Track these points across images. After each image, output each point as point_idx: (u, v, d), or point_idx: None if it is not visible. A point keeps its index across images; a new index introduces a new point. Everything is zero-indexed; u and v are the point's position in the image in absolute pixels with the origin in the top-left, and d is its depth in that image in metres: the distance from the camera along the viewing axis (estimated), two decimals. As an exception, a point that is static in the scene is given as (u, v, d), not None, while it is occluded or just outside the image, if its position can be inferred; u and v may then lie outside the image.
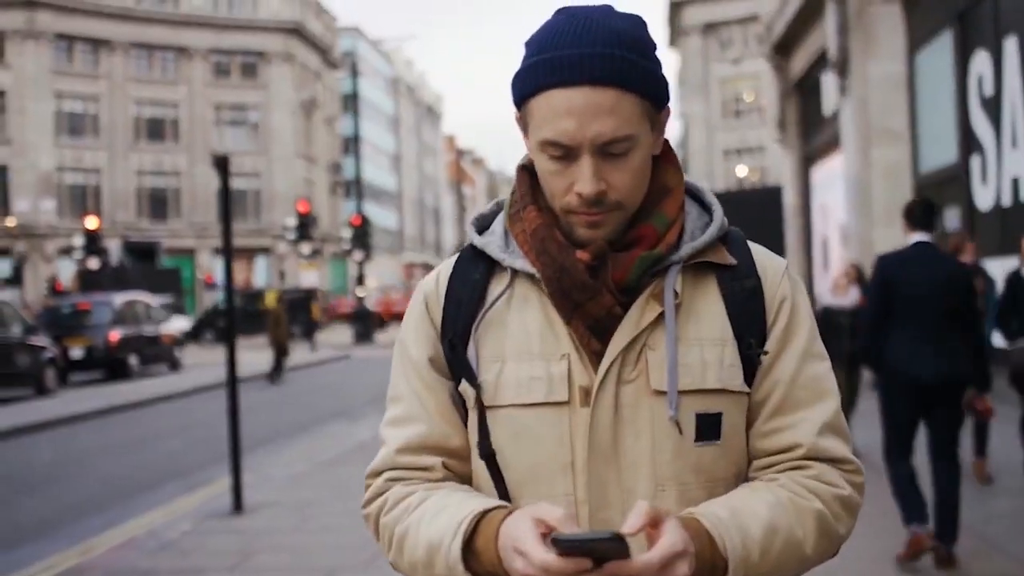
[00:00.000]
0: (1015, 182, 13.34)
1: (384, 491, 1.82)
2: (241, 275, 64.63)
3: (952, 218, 15.37)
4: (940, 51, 16.05)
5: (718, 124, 62.13)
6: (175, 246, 61.43)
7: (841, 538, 1.79)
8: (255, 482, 10.67)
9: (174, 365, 30.23)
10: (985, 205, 14.37)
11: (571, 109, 1.66)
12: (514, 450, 1.76)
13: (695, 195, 1.87)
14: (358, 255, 40.27)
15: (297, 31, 69.00)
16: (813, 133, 23.86)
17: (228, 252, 9.71)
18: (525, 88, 1.73)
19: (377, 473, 1.85)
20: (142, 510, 10.19)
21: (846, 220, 19.49)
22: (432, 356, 1.83)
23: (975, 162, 14.65)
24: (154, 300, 30.88)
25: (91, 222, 34.08)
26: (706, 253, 1.79)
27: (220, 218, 9.74)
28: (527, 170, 1.85)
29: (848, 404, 10.70)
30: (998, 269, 11.11)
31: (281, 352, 25.42)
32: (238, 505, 9.54)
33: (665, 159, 1.82)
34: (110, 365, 27.18)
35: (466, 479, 1.84)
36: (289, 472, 11.79)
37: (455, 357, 1.81)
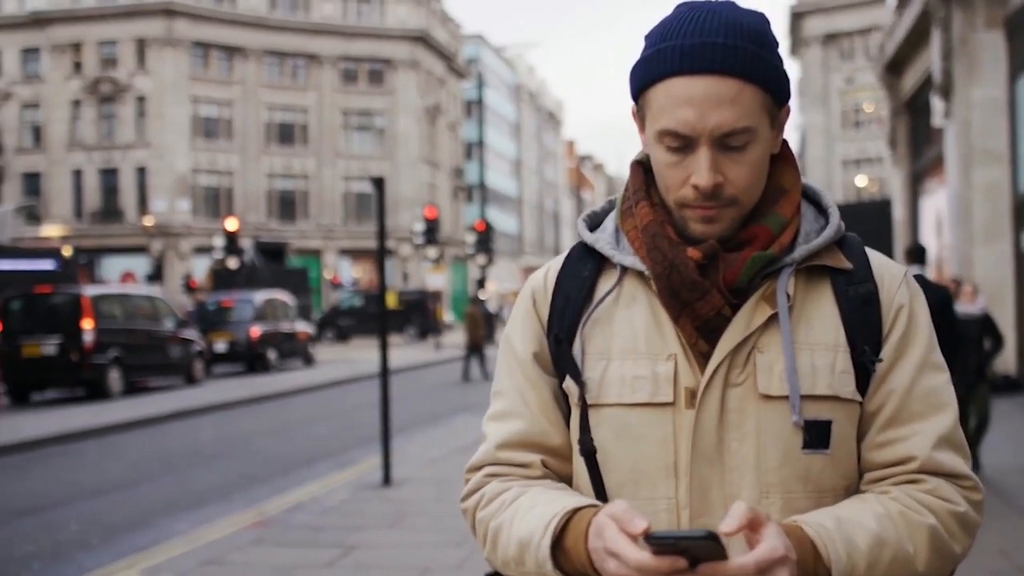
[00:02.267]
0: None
1: (482, 486, 1.82)
2: (367, 276, 66.76)
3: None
4: (1037, 79, 16.97)
5: (837, 134, 62.08)
6: (302, 247, 63.18)
7: (956, 557, 1.71)
8: (397, 462, 12.15)
9: (308, 360, 32.14)
10: (1075, 226, 15.30)
11: (692, 98, 1.65)
12: (616, 450, 1.74)
13: (812, 198, 1.85)
14: (481, 259, 41.82)
15: (423, 39, 70.51)
16: (922, 151, 24.70)
17: (381, 260, 11.22)
18: (645, 77, 1.71)
19: (477, 468, 1.86)
20: (302, 482, 11.77)
21: (949, 237, 20.41)
22: (537, 352, 1.83)
23: (1066, 185, 15.58)
24: (290, 299, 32.82)
25: (231, 224, 36.07)
26: (821, 256, 1.76)
27: (376, 231, 11.23)
28: (642, 165, 1.84)
29: (981, 424, 10.51)
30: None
31: (475, 351, 26.68)
32: (387, 479, 11.04)
33: (783, 159, 1.80)
34: (250, 359, 29.26)
35: (565, 478, 1.82)
36: (425, 455, 13.26)
37: (560, 353, 1.80)
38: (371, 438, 14.08)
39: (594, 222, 1.89)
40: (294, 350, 31.49)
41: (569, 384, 1.77)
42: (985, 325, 10.70)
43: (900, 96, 25.89)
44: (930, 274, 20.27)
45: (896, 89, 26.06)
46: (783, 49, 1.75)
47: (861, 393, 1.72)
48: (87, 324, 21.22)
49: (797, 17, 62.00)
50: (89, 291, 22.78)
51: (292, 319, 31.86)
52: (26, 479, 12.95)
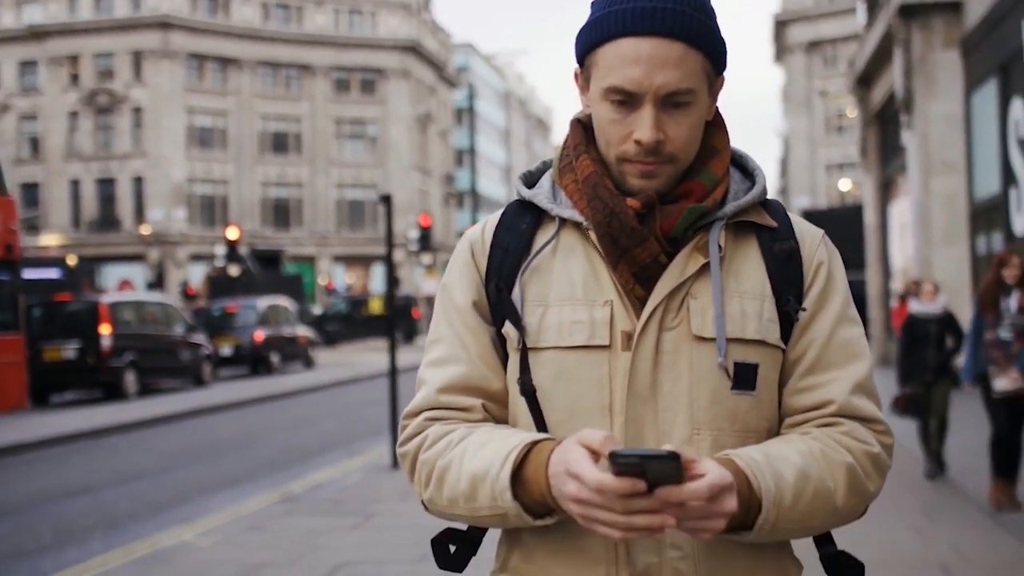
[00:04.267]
0: (1039, 213, 15.73)
1: (423, 429, 1.84)
2: (359, 282, 68.00)
3: (997, 241, 17.69)
4: (988, 95, 18.38)
5: (821, 139, 63.01)
6: (297, 253, 64.35)
7: (870, 495, 1.81)
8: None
9: (308, 363, 33.50)
10: (1020, 230, 16.70)
11: (639, 57, 1.72)
12: (554, 391, 1.80)
13: (738, 162, 1.94)
14: (472, 264, 43.12)
15: (414, 49, 71.49)
16: (890, 160, 26.11)
17: (390, 269, 12.57)
18: (594, 37, 1.78)
19: (416, 413, 1.87)
20: (318, 467, 13.12)
21: (911, 241, 21.83)
22: (476, 300, 1.88)
23: (1012, 193, 17.00)
24: (291, 305, 34.18)
25: (232, 232, 37.33)
26: (749, 213, 1.86)
27: (385, 241, 12.59)
28: (581, 123, 1.92)
29: (941, 425, 10.55)
30: None
31: None
32: (395, 463, 12.40)
33: (716, 124, 1.89)
34: (254, 362, 30.65)
35: (504, 423, 1.87)
36: (428, 444, 14.59)
37: (500, 300, 1.85)
38: (375, 431, 15.52)
39: (530, 180, 1.97)
40: (295, 353, 32.86)
41: (508, 329, 1.83)
42: (947, 323, 10.73)
43: (870, 108, 27.30)
44: (897, 278, 21.68)
45: (866, 101, 27.47)
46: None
47: (784, 341, 1.83)
48: (105, 330, 22.59)
49: (781, 25, 63.16)
50: (106, 299, 24.15)
51: (293, 324, 33.23)
52: (68, 468, 14.30)
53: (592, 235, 1.81)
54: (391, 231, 12.43)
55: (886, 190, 26.99)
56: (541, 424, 1.80)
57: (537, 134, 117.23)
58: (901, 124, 21.96)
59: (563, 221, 1.85)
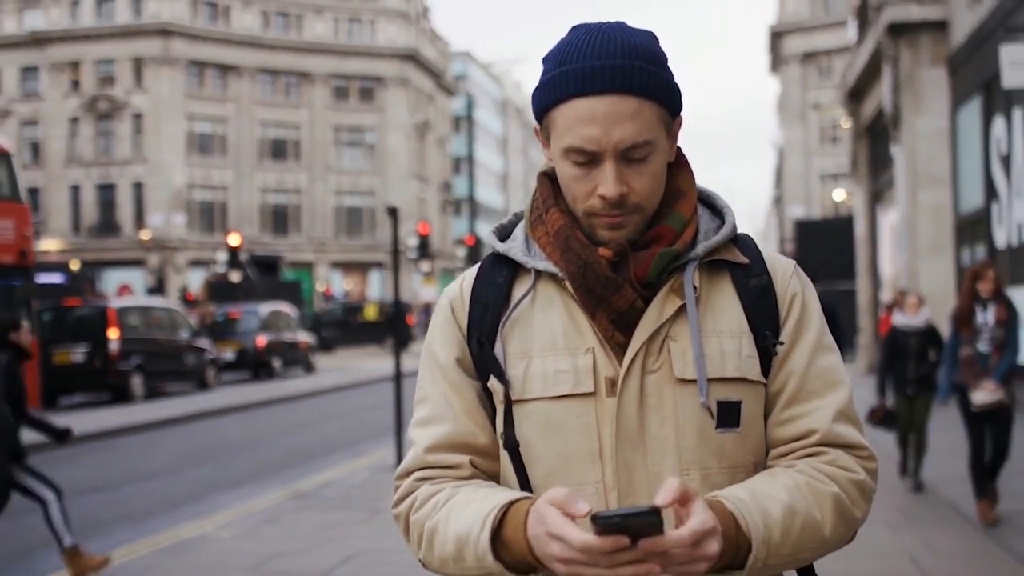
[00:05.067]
0: (1019, 227, 16.33)
1: (413, 491, 1.87)
2: (357, 288, 68.53)
3: (980, 253, 18.29)
4: (973, 112, 19.00)
5: (815, 149, 63.43)
6: (295, 260, 64.53)
7: (858, 522, 1.84)
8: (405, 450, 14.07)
9: (309, 368, 34.07)
10: (1001, 243, 17.31)
11: (595, 116, 1.75)
12: (543, 442, 1.82)
13: (705, 200, 1.96)
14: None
15: (412, 57, 71.90)
16: (880, 172, 26.71)
17: (396, 279, 13.14)
18: (549, 98, 1.81)
19: (407, 474, 1.90)
20: (325, 468, 13.69)
21: (899, 252, 22.44)
22: (459, 357, 1.90)
23: (994, 207, 17.61)
24: (293, 311, 34.77)
25: (234, 239, 37.89)
26: (720, 252, 1.88)
27: (390, 253, 13.16)
28: (548, 176, 1.94)
29: (919, 444, 10.64)
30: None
31: None
32: (400, 464, 12.95)
33: (679, 164, 1.91)
34: (256, 366, 31.22)
35: (494, 477, 1.89)
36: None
37: (483, 355, 1.87)
38: (377, 434, 16.11)
39: (504, 233, 1.99)
40: (296, 358, 33.42)
41: (493, 383, 1.85)
42: (929, 336, 10.75)
43: (861, 121, 27.89)
44: (887, 288, 22.22)
45: (857, 115, 28.07)
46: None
47: (764, 375, 1.85)
48: (113, 334, 23.20)
49: (777, 36, 63.62)
50: (115, 303, 24.76)
51: (294, 329, 33.81)
52: (84, 467, 14.84)
53: (568, 285, 1.84)
54: (396, 241, 13.01)
55: (876, 201, 27.59)
56: (524, 478, 1.84)
57: (533, 142, 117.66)
58: (890, 138, 22.57)
59: (539, 273, 1.88)
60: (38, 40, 63.33)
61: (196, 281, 55.98)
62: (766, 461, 1.88)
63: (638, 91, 1.75)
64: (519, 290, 1.89)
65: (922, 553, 7.99)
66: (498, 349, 1.85)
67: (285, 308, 34.18)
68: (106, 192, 63.43)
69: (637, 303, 1.80)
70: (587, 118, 1.74)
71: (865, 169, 28.32)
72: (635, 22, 1.89)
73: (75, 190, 63.49)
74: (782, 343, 1.86)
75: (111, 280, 57.64)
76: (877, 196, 27.47)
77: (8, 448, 7.82)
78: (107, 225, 63.09)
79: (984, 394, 8.85)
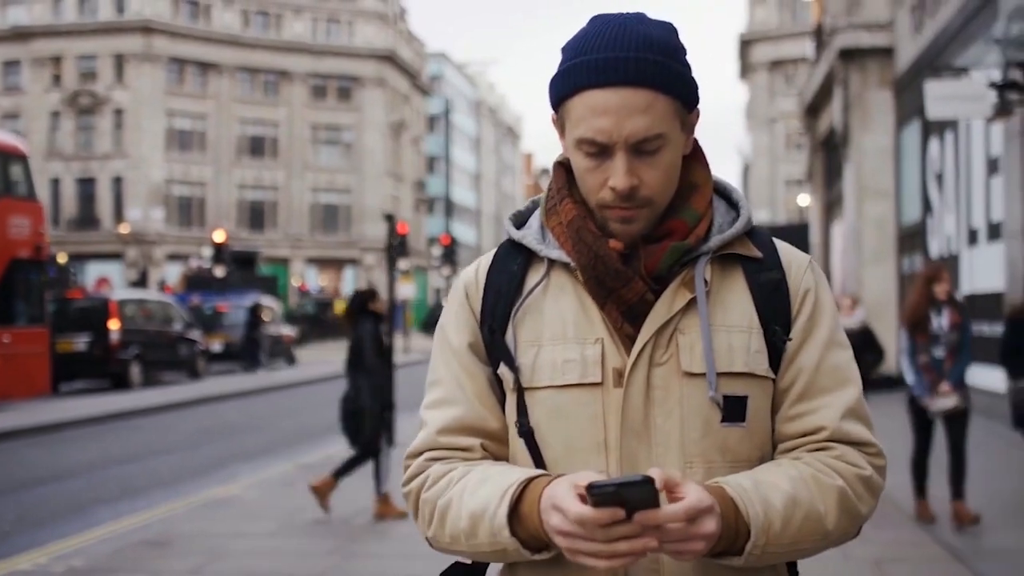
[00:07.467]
0: (948, 239, 18.16)
1: (424, 469, 1.88)
2: (332, 284, 69.77)
3: (918, 262, 20.10)
4: (913, 133, 20.86)
5: (781, 155, 64.73)
6: (272, 255, 65.26)
7: (862, 518, 1.83)
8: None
9: (291, 360, 35.68)
10: (935, 253, 19.15)
11: (607, 108, 1.74)
12: (550, 430, 1.83)
13: (722, 193, 1.96)
14: (446, 271, 45.58)
15: (389, 58, 72.81)
16: (833, 183, 28.53)
17: (392, 279, 14.77)
18: (563, 89, 1.81)
19: (417, 453, 1.92)
20: (325, 445, 15.29)
21: (845, 260, 24.30)
22: (471, 342, 1.91)
23: (929, 220, 19.46)
24: (276, 305, 36.36)
25: (218, 235, 39.28)
26: (733, 245, 1.87)
27: (387, 256, 14.79)
28: (563, 166, 1.93)
29: None
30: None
31: None
32: (390, 441, 14.58)
33: (694, 158, 1.90)
34: (243, 358, 32.78)
35: (503, 460, 1.89)
36: (412, 426, 16.80)
37: (494, 342, 1.88)
38: (370, 417, 17.64)
39: (520, 220, 1.99)
40: (280, 351, 35.03)
41: (504, 371, 1.87)
42: (863, 338, 11.12)
43: (817, 135, 29.72)
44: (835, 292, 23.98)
45: (814, 129, 29.91)
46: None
47: (773, 370, 1.84)
48: (114, 324, 24.77)
49: (746, 44, 64.82)
50: (115, 296, 26.35)
51: (278, 323, 35.40)
52: (108, 443, 16.44)
53: (580, 275, 1.83)
54: (392, 245, 14.63)
55: (830, 211, 29.41)
56: (540, 463, 1.83)
57: (507, 142, 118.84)
58: (841, 154, 24.36)
59: (552, 262, 1.87)
60: (20, 35, 63.94)
61: (174, 275, 56.99)
62: (772, 456, 1.88)
63: (651, 84, 1.75)
64: (532, 278, 1.90)
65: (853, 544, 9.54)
66: (509, 337, 1.87)
67: (269, 302, 35.75)
68: (86, 186, 64.16)
69: (647, 296, 1.81)
70: (600, 110, 1.75)
71: (820, 180, 30.16)
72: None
73: (55, 183, 63.76)
74: (790, 339, 1.86)
75: (90, 273, 58.46)
76: (830, 206, 29.27)
77: (384, 401, 10.23)
78: (86, 218, 63.82)
79: (942, 399, 8.90)
